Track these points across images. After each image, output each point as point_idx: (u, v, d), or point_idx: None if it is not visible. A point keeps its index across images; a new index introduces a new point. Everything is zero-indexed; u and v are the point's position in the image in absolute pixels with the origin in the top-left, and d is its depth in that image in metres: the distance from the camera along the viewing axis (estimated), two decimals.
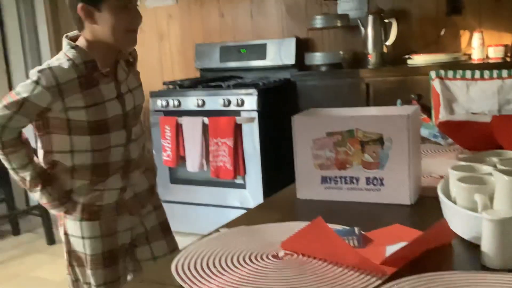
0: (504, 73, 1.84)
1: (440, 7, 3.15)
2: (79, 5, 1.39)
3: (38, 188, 1.46)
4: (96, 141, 1.46)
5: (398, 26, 3.10)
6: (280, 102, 3.27)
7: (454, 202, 0.94)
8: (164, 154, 3.40)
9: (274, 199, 1.36)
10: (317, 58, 3.25)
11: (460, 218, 0.90)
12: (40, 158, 1.51)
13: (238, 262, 0.89)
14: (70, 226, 1.52)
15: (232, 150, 3.09)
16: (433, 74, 1.91)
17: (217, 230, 1.05)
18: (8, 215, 3.65)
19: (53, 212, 1.55)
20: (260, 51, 3.64)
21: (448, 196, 0.97)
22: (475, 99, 1.85)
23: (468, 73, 1.88)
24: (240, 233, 1.02)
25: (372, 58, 3.10)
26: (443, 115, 1.77)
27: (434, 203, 1.04)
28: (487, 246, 0.80)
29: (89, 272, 1.51)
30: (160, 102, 3.43)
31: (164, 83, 3.69)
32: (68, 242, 1.55)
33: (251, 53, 3.65)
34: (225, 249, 0.95)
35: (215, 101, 3.22)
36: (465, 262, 0.88)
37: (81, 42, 1.46)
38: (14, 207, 3.73)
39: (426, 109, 2.15)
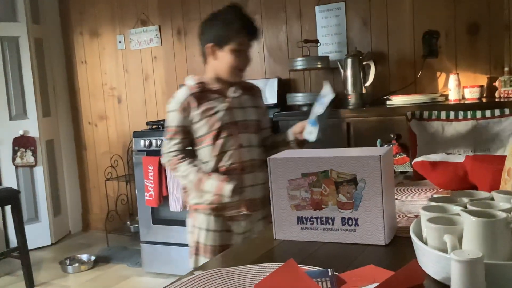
0: (478, 114, 1.88)
1: (417, 50, 3.25)
2: (209, 44, 1.86)
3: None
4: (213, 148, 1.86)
5: (376, 68, 3.19)
6: None
7: (426, 243, 0.95)
8: (147, 194, 3.39)
9: (252, 239, 1.36)
10: (298, 98, 3.31)
11: (431, 259, 0.91)
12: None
13: None
14: (198, 219, 1.91)
15: None
16: (409, 114, 1.95)
17: (191, 273, 1.05)
18: None
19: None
20: None
21: (420, 236, 0.99)
22: (451, 139, 1.88)
23: (443, 114, 1.92)
24: (215, 275, 1.02)
25: (351, 98, 3.16)
26: (419, 155, 1.80)
27: (409, 243, 1.04)
28: (456, 287, 0.80)
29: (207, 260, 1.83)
30: (143, 142, 3.44)
31: (147, 123, 3.71)
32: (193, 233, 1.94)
33: None
34: None
35: None
36: None
37: (206, 72, 1.94)
38: None
39: (406, 149, 2.18)
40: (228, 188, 1.78)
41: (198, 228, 1.92)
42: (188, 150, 1.92)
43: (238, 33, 1.84)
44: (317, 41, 3.47)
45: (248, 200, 1.89)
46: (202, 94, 1.87)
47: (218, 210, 1.88)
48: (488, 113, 1.87)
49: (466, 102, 2.92)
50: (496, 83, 2.95)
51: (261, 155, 1.95)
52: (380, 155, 1.12)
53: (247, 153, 1.89)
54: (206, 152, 1.87)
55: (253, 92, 2.01)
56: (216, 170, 1.86)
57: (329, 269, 0.96)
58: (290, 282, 0.85)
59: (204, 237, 1.90)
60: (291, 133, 1.95)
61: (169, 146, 1.89)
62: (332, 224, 1.18)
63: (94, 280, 3.57)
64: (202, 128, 1.86)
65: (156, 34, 4.21)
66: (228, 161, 1.86)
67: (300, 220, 1.21)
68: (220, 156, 1.86)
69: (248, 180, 1.89)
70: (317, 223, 1.19)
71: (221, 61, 1.87)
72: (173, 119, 1.88)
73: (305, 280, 0.83)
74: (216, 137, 1.85)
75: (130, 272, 3.66)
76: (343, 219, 1.17)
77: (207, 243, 1.90)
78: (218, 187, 1.79)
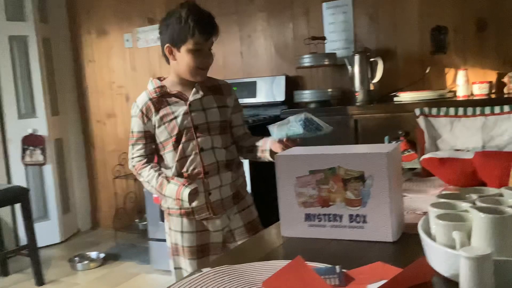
0: (487, 110, 1.87)
1: (424, 46, 3.23)
2: (166, 45, 1.82)
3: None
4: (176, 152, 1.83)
5: (384, 64, 3.17)
6: None
7: (434, 239, 0.95)
8: None
9: (259, 236, 1.36)
10: (306, 95, 3.30)
11: (439, 256, 0.90)
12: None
13: None
14: (173, 222, 1.90)
15: None
16: (417, 111, 1.94)
17: (199, 270, 1.05)
18: None
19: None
20: (250, 88, 3.69)
21: (429, 233, 0.98)
22: (459, 136, 1.87)
23: (452, 110, 1.91)
24: (222, 272, 1.02)
25: (359, 95, 3.15)
26: (427, 152, 1.79)
27: (417, 240, 1.04)
28: (465, 283, 0.80)
29: (186, 261, 1.89)
30: None
31: None
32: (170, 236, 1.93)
33: (242, 91, 3.71)
34: None
35: None
36: None
37: (169, 73, 1.90)
38: (3, 248, 3.69)
39: (414, 146, 2.17)
40: (185, 193, 1.74)
41: (174, 231, 1.90)
42: (153, 155, 1.89)
43: (192, 33, 1.75)
44: (324, 38, 3.46)
45: (215, 202, 1.86)
46: (161, 99, 1.83)
47: (187, 214, 1.86)
48: (497, 109, 1.85)
49: (475, 98, 2.90)
50: (505, 79, 2.93)
51: (228, 155, 1.89)
52: (387, 152, 1.11)
53: (209, 156, 1.84)
54: (169, 157, 1.84)
55: (219, 91, 1.92)
56: (180, 175, 1.83)
57: (336, 266, 0.96)
58: (298, 279, 0.85)
59: (181, 239, 1.89)
60: (269, 143, 1.84)
61: (133, 152, 1.87)
62: (340, 221, 1.18)
63: (103, 277, 3.59)
64: (162, 134, 1.83)
65: None
66: (190, 166, 1.82)
67: (307, 217, 1.21)
68: (182, 161, 1.82)
69: (214, 183, 1.85)
70: (325, 220, 1.19)
71: (180, 62, 1.81)
72: (134, 125, 1.85)
73: (313, 277, 0.83)
74: (177, 143, 1.81)
75: (138, 269, 3.68)
76: (351, 216, 1.16)
77: (184, 244, 1.88)
78: (177, 192, 1.76)
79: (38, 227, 3.81)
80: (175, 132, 1.81)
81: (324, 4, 3.53)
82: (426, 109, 1.94)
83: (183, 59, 1.80)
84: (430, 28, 3.15)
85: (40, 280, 3.47)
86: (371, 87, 3.18)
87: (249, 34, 3.86)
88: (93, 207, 4.96)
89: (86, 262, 3.82)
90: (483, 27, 3.10)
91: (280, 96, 3.55)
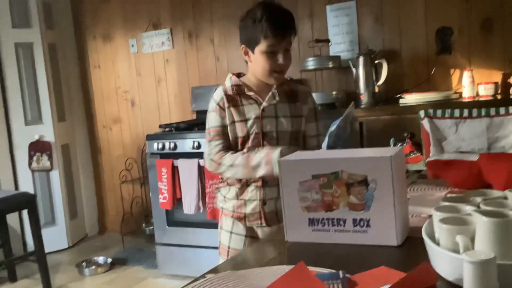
0: (492, 111, 1.86)
1: (430, 47, 3.22)
2: (242, 46, 1.80)
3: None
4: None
5: (389, 66, 3.16)
6: None
7: (438, 243, 0.94)
8: (161, 197, 3.40)
9: (264, 241, 1.36)
10: None
11: (443, 260, 0.90)
12: None
13: None
14: (225, 221, 1.88)
15: None
16: (422, 113, 1.93)
17: (203, 276, 1.05)
18: (4, 261, 3.61)
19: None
20: None
21: (433, 237, 0.98)
22: (465, 137, 1.86)
23: (457, 112, 1.90)
24: (226, 278, 1.02)
25: (364, 97, 3.15)
26: (432, 154, 1.78)
27: (422, 244, 1.03)
28: None
29: None
30: (156, 145, 3.46)
31: (160, 126, 3.73)
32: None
33: None
34: None
35: None
36: None
37: (248, 72, 1.86)
38: (11, 254, 3.71)
39: (420, 147, 2.16)
40: (275, 154, 1.64)
41: (225, 231, 1.88)
42: (231, 150, 1.82)
43: (264, 34, 1.68)
44: (328, 41, 3.45)
45: (269, 212, 1.79)
46: (235, 97, 1.78)
47: (239, 219, 1.83)
48: (502, 110, 1.84)
49: (481, 99, 2.88)
50: (511, 80, 2.91)
51: None
52: (390, 156, 1.11)
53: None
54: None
55: (295, 98, 1.83)
56: (241, 180, 1.79)
57: (340, 271, 0.95)
58: (301, 285, 0.85)
59: (228, 240, 1.86)
60: None
61: (211, 148, 1.80)
62: (344, 226, 1.17)
63: (110, 282, 3.60)
64: (231, 133, 1.79)
65: (168, 37, 4.23)
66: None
67: (311, 221, 1.20)
68: None
69: (271, 193, 1.78)
70: (329, 225, 1.19)
71: (255, 64, 1.76)
72: (211, 120, 1.81)
73: (316, 283, 0.83)
74: (242, 145, 1.77)
75: (146, 274, 3.69)
76: (354, 220, 1.16)
77: (231, 245, 1.85)
78: (267, 156, 1.67)
79: (46, 232, 3.82)
80: (243, 134, 1.77)
81: (328, 7, 3.52)
82: (430, 111, 1.93)
83: (257, 60, 1.74)
84: (435, 28, 3.14)
85: (48, 285, 3.48)
86: (376, 89, 3.18)
87: None
88: (100, 212, 4.98)
89: (93, 267, 3.83)
90: (488, 28, 3.08)
91: None
